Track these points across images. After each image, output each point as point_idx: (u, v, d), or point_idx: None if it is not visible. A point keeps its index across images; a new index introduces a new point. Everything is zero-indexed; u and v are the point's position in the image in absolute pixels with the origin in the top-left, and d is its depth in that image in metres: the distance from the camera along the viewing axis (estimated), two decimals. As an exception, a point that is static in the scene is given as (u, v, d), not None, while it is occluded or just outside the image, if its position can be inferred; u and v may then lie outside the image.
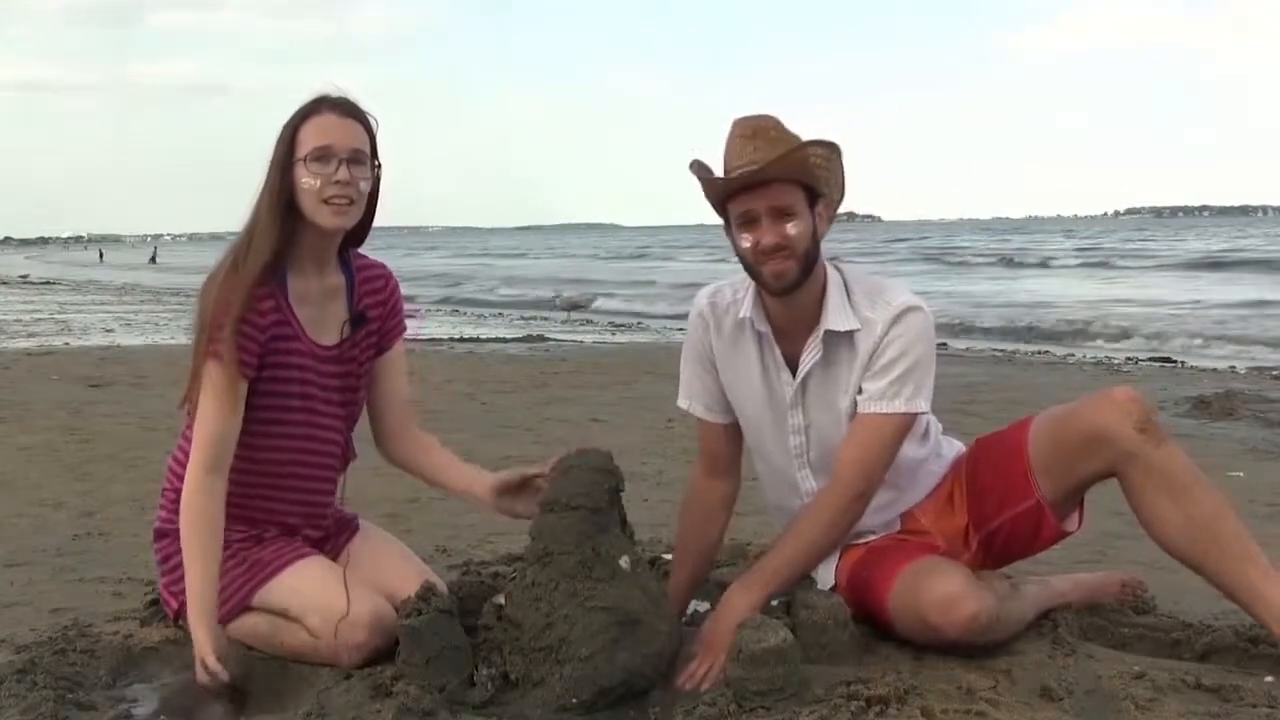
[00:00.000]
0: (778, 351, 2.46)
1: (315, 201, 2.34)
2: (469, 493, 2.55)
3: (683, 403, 2.60)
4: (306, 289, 2.43)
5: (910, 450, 2.50)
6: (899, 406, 2.37)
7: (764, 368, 2.48)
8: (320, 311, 2.46)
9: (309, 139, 2.34)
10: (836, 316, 2.39)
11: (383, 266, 2.62)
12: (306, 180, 2.34)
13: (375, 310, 2.56)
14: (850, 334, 2.39)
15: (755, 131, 2.32)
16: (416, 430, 2.64)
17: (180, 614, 2.50)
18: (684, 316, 2.83)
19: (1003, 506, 2.47)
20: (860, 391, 2.39)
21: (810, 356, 2.42)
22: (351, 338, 2.51)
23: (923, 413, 2.43)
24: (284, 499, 2.49)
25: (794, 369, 2.45)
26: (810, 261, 2.36)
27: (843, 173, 2.38)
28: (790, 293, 2.37)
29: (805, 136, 2.33)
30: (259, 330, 2.35)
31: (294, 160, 2.34)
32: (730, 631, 2.21)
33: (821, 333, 2.40)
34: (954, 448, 2.65)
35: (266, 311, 2.36)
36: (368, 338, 2.55)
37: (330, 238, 2.43)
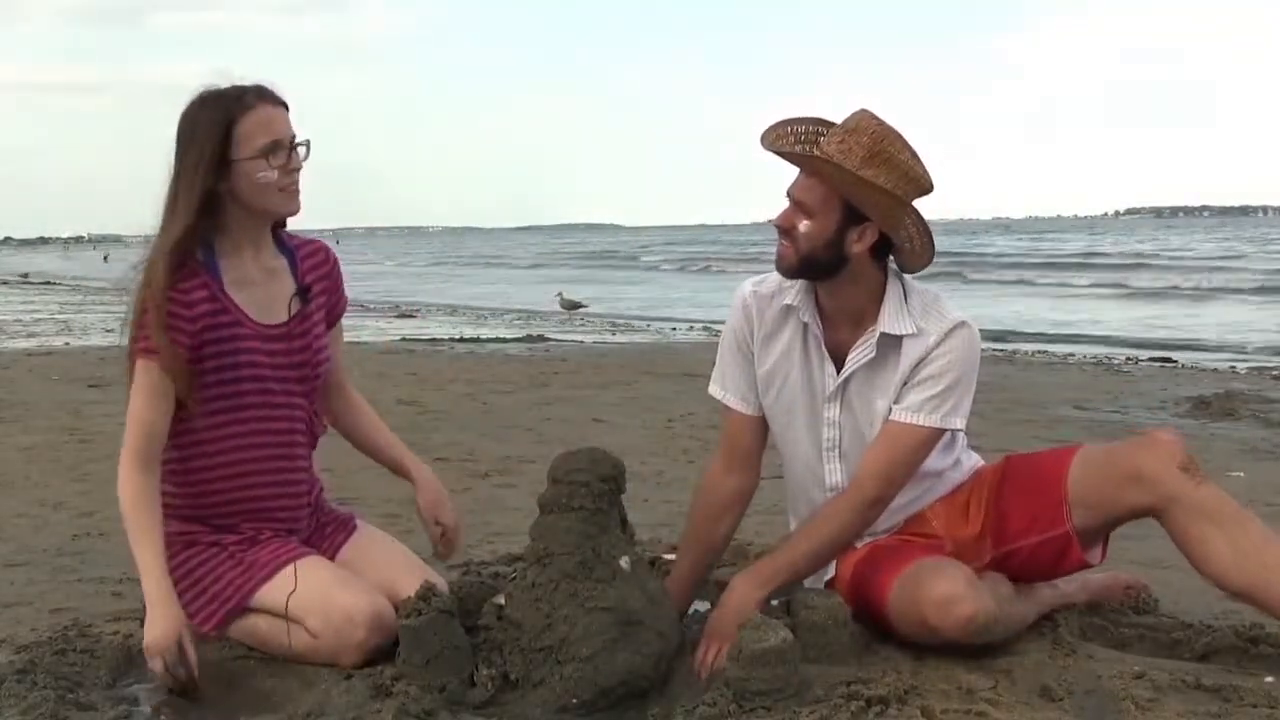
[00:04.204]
0: (822, 343, 2.46)
1: (272, 192, 2.40)
2: (400, 469, 2.70)
3: (715, 391, 2.59)
4: (245, 274, 2.46)
5: (934, 461, 2.50)
6: (934, 421, 2.37)
7: (805, 357, 2.48)
8: (265, 292, 2.48)
9: (256, 134, 2.37)
10: (894, 320, 2.39)
11: (321, 242, 2.65)
12: (264, 174, 2.37)
13: (321, 284, 2.59)
14: (901, 338, 2.39)
15: (859, 131, 2.29)
16: (350, 388, 2.75)
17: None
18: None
19: (1028, 532, 2.45)
20: (898, 400, 2.39)
21: (862, 354, 2.42)
22: (301, 312, 2.53)
23: (957, 429, 2.43)
24: (256, 484, 2.49)
25: (837, 362, 2.45)
26: (813, 262, 2.35)
27: (917, 226, 2.36)
28: (792, 276, 2.40)
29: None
30: (188, 321, 2.37)
31: (236, 158, 2.36)
32: (734, 619, 2.24)
33: (878, 334, 2.40)
34: (973, 458, 2.64)
35: (198, 302, 2.38)
36: (317, 311, 2.57)
37: (263, 220, 2.48)
